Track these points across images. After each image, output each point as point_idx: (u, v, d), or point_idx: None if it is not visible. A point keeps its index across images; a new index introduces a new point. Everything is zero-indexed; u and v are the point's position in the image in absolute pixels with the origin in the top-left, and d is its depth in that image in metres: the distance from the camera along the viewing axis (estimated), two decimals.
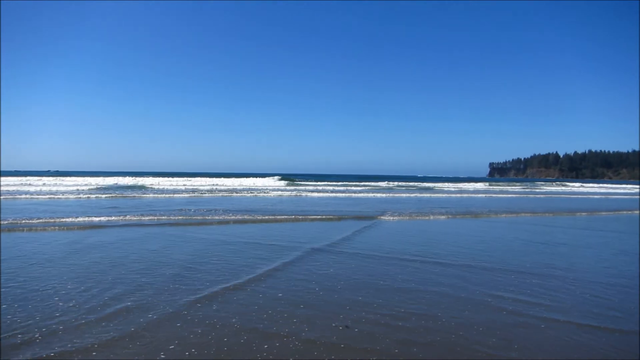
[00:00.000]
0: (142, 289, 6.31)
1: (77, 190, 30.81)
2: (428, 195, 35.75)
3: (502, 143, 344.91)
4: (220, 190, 33.93)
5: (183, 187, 37.50)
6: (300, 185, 48.90)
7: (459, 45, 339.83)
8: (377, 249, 9.77)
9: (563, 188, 62.02)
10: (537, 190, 53.14)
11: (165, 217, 15.24)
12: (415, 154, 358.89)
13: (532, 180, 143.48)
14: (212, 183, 44.78)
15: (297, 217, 16.21)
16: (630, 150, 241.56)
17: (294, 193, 33.11)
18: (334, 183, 54.51)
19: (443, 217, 17.66)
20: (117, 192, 29.04)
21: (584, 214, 21.12)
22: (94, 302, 5.65)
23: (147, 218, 15.01)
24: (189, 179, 50.62)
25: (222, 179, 52.36)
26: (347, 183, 55.24)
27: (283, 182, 51.21)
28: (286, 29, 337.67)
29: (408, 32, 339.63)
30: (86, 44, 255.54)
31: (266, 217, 15.70)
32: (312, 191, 35.95)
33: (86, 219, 14.20)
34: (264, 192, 33.08)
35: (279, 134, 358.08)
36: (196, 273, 7.32)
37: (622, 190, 54.17)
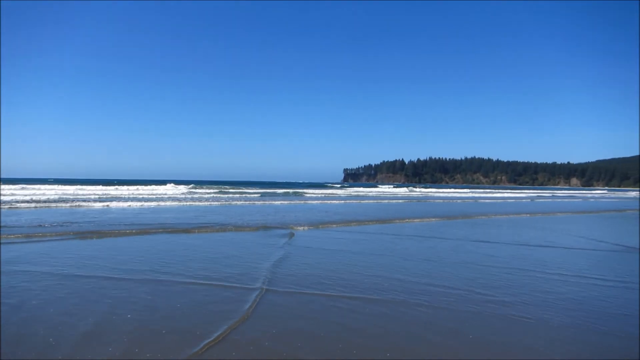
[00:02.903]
0: None
1: None
2: (315, 202, 33.88)
3: (355, 150, 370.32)
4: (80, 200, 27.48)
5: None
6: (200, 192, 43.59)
7: (316, 53, 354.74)
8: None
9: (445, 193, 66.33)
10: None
11: None
12: (276, 160, 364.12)
13: (410, 185, 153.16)
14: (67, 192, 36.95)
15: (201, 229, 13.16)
16: (463, 158, 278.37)
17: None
18: (233, 189, 50.37)
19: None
20: None
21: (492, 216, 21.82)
22: None
23: None
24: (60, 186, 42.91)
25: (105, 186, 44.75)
26: (244, 190, 52.16)
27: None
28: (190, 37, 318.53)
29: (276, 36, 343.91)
30: None
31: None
32: (207, 199, 31.69)
33: None
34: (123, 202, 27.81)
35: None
36: None
37: (483, 195, 59.73)
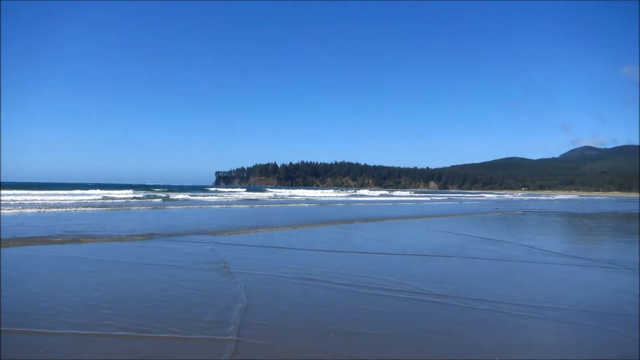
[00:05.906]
0: None
1: None
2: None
3: (228, 152, 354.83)
4: None
5: None
6: None
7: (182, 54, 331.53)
8: None
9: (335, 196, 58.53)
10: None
11: None
12: (145, 162, 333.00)
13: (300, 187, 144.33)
14: None
15: None
16: (333, 162, 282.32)
17: None
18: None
19: None
20: None
21: None
22: None
23: None
24: None
25: None
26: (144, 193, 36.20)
27: None
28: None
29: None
30: None
31: None
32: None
33: None
34: None
35: None
36: None
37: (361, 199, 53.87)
